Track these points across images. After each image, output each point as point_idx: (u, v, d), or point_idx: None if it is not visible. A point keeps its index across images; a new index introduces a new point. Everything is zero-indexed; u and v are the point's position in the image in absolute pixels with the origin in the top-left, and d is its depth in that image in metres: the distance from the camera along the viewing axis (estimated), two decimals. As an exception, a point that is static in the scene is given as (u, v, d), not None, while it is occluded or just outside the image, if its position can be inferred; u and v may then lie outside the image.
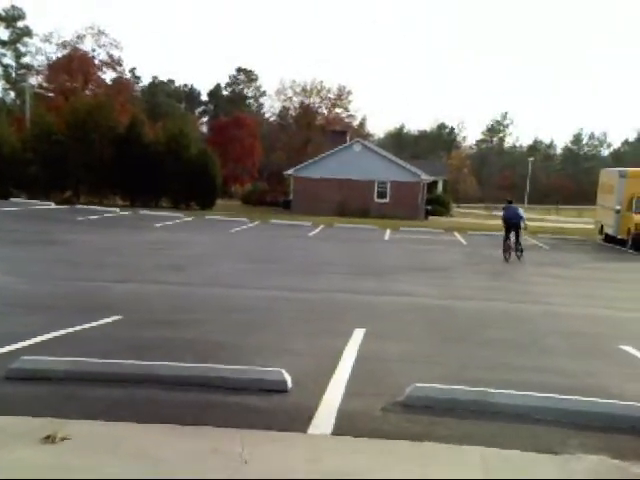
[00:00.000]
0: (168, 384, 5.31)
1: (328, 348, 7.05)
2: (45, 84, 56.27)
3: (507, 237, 18.45)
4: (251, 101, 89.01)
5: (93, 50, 55.53)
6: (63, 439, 4.03)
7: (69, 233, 20.06)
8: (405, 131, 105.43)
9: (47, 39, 56.49)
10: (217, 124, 65.28)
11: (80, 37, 54.83)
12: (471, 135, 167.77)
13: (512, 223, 18.32)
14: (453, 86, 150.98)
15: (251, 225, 27.12)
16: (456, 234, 27.52)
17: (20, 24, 62.70)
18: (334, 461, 3.99)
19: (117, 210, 30.49)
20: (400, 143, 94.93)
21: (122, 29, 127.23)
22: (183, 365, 5.62)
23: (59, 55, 55.68)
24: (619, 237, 24.82)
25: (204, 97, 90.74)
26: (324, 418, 4.75)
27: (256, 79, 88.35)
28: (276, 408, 4.93)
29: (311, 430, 4.53)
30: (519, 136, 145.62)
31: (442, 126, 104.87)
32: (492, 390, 5.25)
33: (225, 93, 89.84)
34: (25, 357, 5.64)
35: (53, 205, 30.94)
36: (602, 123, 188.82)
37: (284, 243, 21.47)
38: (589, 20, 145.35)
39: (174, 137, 38.08)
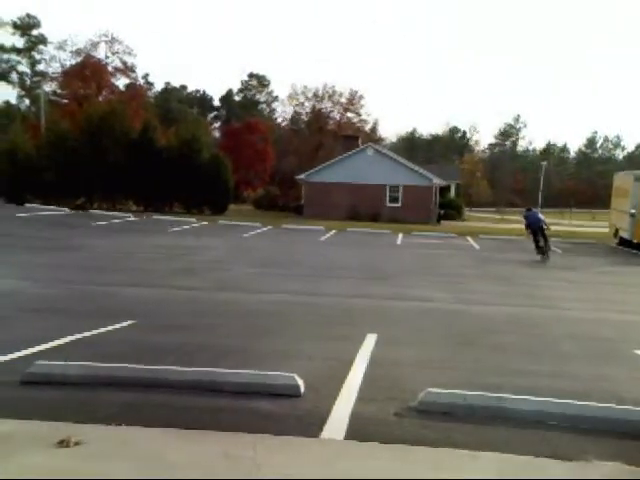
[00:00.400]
0: (180, 388, 5.33)
1: (340, 353, 7.05)
2: (59, 91, 57.04)
3: (537, 240, 20.12)
4: (263, 106, 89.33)
5: (107, 57, 56.24)
6: (77, 443, 4.06)
7: (83, 238, 20.23)
8: (417, 135, 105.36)
9: (61, 46, 57.26)
10: (229, 129, 65.53)
11: (94, 44, 55.53)
12: (484, 139, 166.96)
13: (537, 227, 20.04)
14: (465, 90, 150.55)
15: (263, 230, 27.18)
16: (469, 238, 27.40)
17: (35, 32, 63.51)
18: (347, 466, 3.98)
19: (130, 215, 30.69)
20: (412, 147, 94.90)
21: (135, 36, 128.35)
22: (196, 369, 5.64)
23: (73, 62, 56.37)
24: (635, 241, 24.58)
25: (216, 102, 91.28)
26: (337, 423, 4.74)
27: (268, 84, 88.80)
28: (288, 413, 4.93)
29: (324, 435, 4.52)
30: (532, 140, 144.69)
31: (454, 130, 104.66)
32: (506, 395, 5.21)
33: (237, 98, 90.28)
34: (40, 362, 5.69)
35: (67, 211, 31.21)
36: (616, 126, 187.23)
37: (296, 247, 21.50)
38: (605, 22, 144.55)
39: (187, 142, 38.27)
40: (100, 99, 52.40)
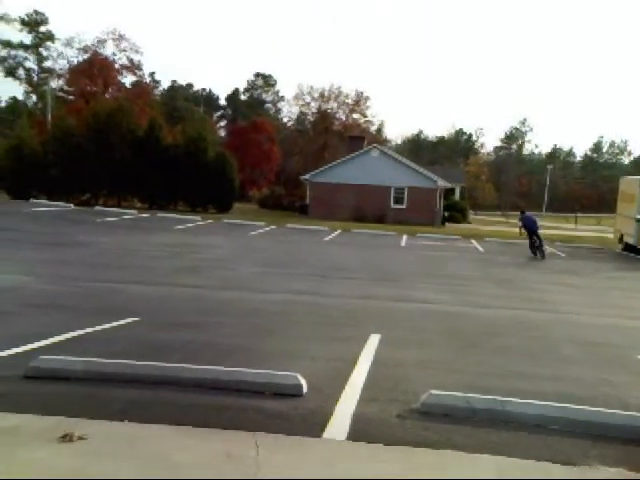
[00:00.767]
0: (184, 386, 5.34)
1: (344, 353, 7.05)
2: (66, 87, 57.19)
3: (532, 240, 22.00)
4: (269, 106, 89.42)
5: (114, 54, 56.25)
6: (80, 438, 4.07)
7: (88, 235, 20.27)
8: (423, 137, 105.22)
9: (68, 43, 57.37)
10: (235, 128, 65.62)
11: (101, 42, 55.61)
12: (489, 142, 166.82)
13: (534, 229, 21.99)
14: (472, 92, 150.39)
15: (268, 229, 27.20)
16: (473, 241, 27.37)
17: (42, 29, 63.65)
18: (349, 467, 3.98)
19: (135, 212, 30.74)
20: (417, 149, 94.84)
21: (142, 34, 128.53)
22: (199, 367, 5.64)
23: (80, 59, 56.50)
24: (639, 247, 24.50)
25: (222, 102, 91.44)
26: (339, 423, 4.73)
27: (274, 84, 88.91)
28: (291, 412, 4.93)
29: (326, 435, 4.51)
30: (538, 143, 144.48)
31: (460, 132, 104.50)
32: (508, 399, 5.20)
33: (243, 98, 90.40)
34: (43, 356, 5.71)
35: (72, 207, 31.28)
36: (623, 131, 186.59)
37: (300, 247, 21.51)
38: (612, 27, 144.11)
39: (192, 140, 38.29)
40: (107, 96, 52.54)
